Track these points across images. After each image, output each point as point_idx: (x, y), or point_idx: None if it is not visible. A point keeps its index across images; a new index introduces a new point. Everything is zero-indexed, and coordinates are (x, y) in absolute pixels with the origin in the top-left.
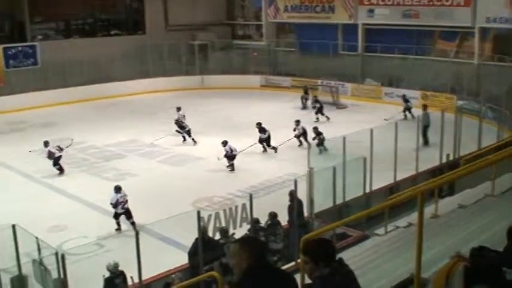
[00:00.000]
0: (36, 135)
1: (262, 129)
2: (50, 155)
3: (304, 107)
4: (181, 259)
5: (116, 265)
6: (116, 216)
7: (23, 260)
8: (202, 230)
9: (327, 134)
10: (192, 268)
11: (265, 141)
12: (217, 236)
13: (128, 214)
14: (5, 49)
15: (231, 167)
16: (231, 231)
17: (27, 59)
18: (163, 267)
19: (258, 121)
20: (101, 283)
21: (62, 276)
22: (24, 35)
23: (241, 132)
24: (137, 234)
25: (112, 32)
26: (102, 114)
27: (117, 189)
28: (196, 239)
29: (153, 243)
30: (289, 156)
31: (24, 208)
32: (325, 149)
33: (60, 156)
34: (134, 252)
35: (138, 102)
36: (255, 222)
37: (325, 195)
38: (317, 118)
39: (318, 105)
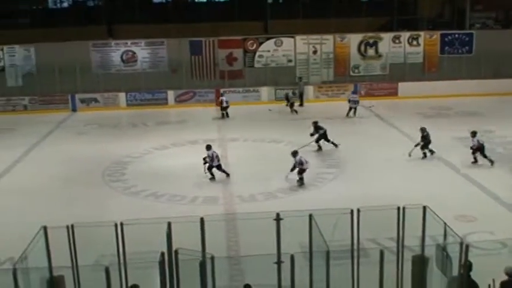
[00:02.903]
0: (459, 122)
1: (318, 128)
2: (218, 103)
3: None
4: None
5: None
6: (211, 168)
7: (427, 242)
8: None
9: None
10: None
11: (323, 137)
12: None
13: (220, 167)
14: (442, 35)
15: (301, 181)
16: None
17: (462, 47)
18: None
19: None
20: (488, 282)
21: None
22: (463, 22)
23: None
24: None
25: None
26: None
27: (208, 147)
28: None
29: None
30: None
31: (435, 191)
32: None
33: (225, 107)
34: None
35: None
36: None
37: None
38: None
39: None
